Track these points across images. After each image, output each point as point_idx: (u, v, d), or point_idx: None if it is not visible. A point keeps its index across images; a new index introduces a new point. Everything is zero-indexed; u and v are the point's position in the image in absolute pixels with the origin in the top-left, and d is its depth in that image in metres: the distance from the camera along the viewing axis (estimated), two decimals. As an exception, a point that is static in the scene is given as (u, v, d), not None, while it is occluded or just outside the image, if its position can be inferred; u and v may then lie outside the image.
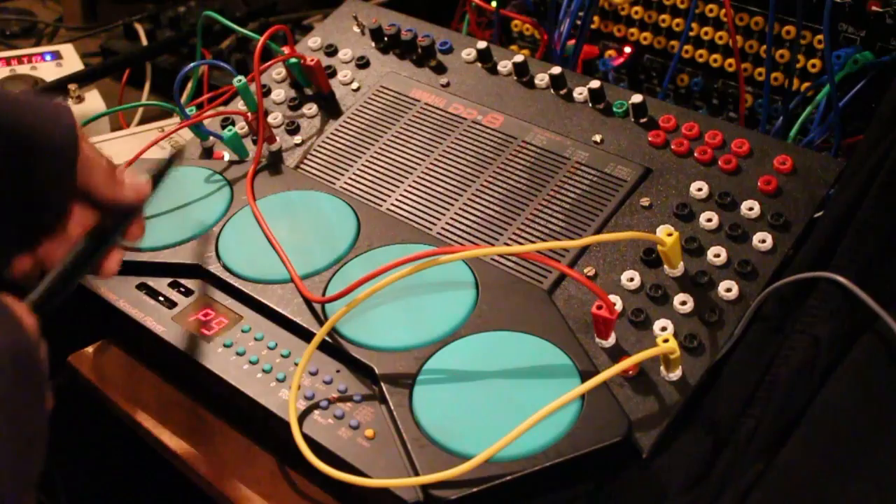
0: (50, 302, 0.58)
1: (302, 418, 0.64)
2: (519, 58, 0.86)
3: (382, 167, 0.83)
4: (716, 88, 0.95)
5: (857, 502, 0.54)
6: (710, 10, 0.91)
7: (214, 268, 0.76)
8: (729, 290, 0.67)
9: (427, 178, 0.81)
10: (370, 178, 0.82)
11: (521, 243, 0.74)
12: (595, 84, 0.82)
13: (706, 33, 0.92)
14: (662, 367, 0.64)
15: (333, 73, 0.92)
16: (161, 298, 0.74)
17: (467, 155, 0.81)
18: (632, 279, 0.69)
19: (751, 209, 0.71)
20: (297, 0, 1.32)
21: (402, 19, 0.94)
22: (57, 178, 0.61)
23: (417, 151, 0.83)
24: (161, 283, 0.75)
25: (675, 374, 0.63)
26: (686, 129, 0.77)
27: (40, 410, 0.51)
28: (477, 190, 0.79)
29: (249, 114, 0.86)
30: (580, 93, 0.83)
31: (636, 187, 0.75)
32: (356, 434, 0.63)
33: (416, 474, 0.59)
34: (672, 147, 0.77)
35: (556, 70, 0.84)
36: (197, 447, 0.70)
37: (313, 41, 0.95)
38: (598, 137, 0.80)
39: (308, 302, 0.71)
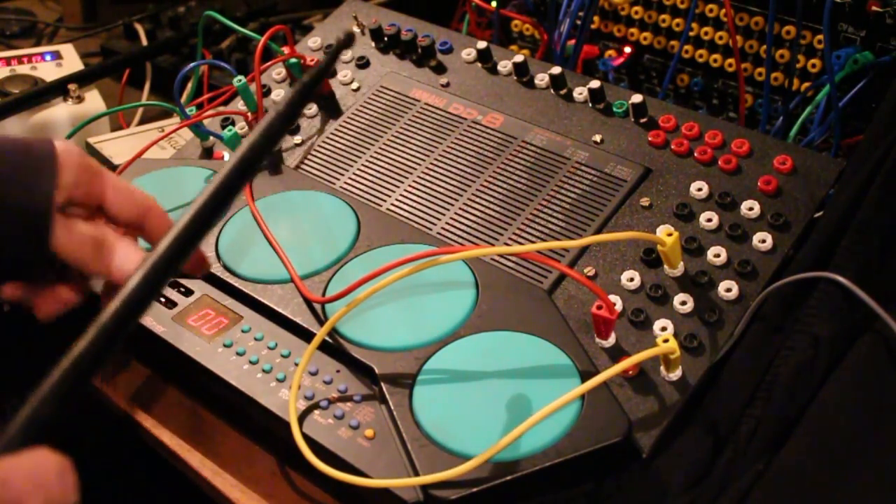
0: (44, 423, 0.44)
1: (302, 418, 0.64)
2: (519, 58, 0.86)
3: (382, 167, 0.83)
4: (716, 88, 0.95)
5: (858, 502, 0.54)
6: (710, 10, 0.91)
7: (214, 268, 0.76)
8: (729, 290, 0.67)
9: (427, 178, 0.81)
10: (370, 178, 0.82)
11: (521, 243, 0.74)
12: (595, 84, 0.82)
13: (706, 33, 0.92)
14: (662, 367, 0.64)
15: (333, 73, 0.92)
16: (161, 298, 0.74)
17: (467, 155, 0.81)
18: (632, 279, 0.69)
19: (751, 209, 0.71)
20: (297, 0, 1.32)
21: (402, 19, 0.94)
22: (22, 243, 0.56)
23: (417, 151, 0.83)
24: (161, 283, 0.75)
25: (675, 374, 0.63)
26: (686, 129, 0.77)
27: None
28: (477, 190, 0.79)
29: (249, 114, 0.86)
30: (580, 93, 0.83)
31: (636, 187, 0.75)
32: (356, 434, 0.63)
33: (416, 474, 0.59)
34: (672, 147, 0.77)
35: (556, 70, 0.84)
36: (197, 447, 0.70)
37: (313, 41, 0.95)
38: (598, 137, 0.80)
39: (308, 302, 0.71)
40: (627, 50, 0.99)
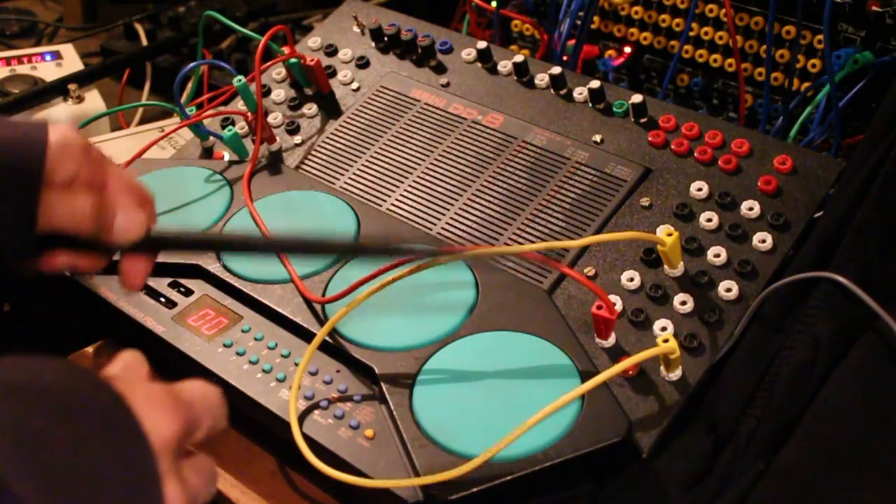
0: None
1: (302, 418, 0.64)
2: (519, 58, 0.86)
3: (382, 167, 0.83)
4: (716, 88, 0.95)
5: (857, 502, 0.55)
6: (710, 10, 0.91)
7: (214, 268, 0.76)
8: (729, 290, 0.67)
9: (427, 178, 0.81)
10: (370, 178, 0.82)
11: (521, 243, 0.74)
12: (595, 84, 0.82)
13: (706, 33, 0.92)
14: (662, 367, 0.64)
15: (333, 73, 0.92)
16: (161, 298, 0.74)
17: (467, 155, 0.81)
18: (632, 279, 0.69)
19: (751, 209, 0.71)
20: (297, 0, 1.32)
21: (402, 19, 0.94)
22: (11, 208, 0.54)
23: (417, 151, 0.83)
24: (161, 283, 0.75)
25: (675, 374, 0.63)
26: (686, 129, 0.77)
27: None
28: (477, 190, 0.79)
29: (249, 114, 0.86)
30: (580, 93, 0.83)
31: (636, 187, 0.75)
32: (356, 434, 0.63)
33: (416, 474, 0.59)
34: (672, 147, 0.77)
35: (556, 70, 0.84)
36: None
37: (313, 41, 0.95)
38: (598, 137, 0.80)
39: (308, 302, 0.71)
40: (627, 50, 0.99)
